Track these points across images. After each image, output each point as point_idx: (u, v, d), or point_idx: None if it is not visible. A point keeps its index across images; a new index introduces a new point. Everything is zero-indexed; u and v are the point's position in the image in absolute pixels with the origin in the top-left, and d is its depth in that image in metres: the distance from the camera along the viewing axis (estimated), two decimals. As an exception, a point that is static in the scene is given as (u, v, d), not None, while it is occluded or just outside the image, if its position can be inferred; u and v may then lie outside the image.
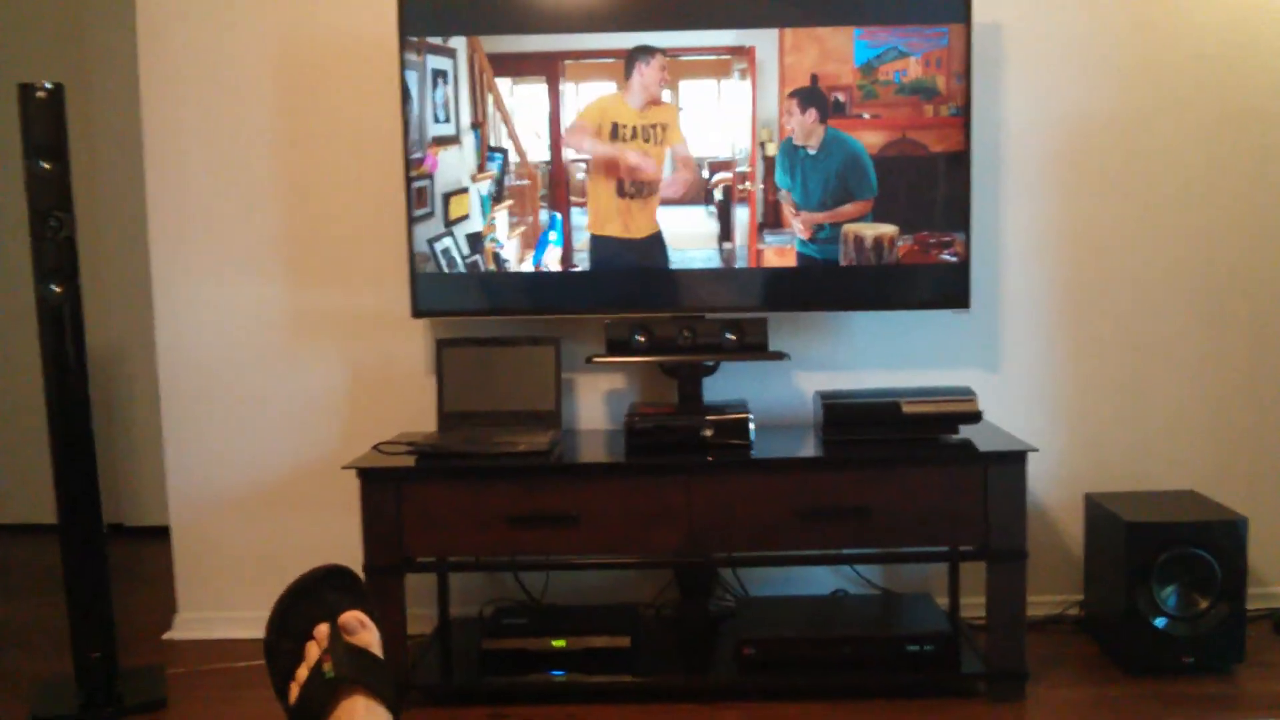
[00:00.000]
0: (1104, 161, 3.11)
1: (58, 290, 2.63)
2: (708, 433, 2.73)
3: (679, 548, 2.64)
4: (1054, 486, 3.16)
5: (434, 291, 2.90)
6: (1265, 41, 3.07)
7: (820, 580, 3.17)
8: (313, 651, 1.34)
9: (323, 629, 1.34)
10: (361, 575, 2.49)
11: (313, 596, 1.38)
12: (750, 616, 2.86)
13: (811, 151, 2.84)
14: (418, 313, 2.91)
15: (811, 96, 2.83)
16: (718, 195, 2.88)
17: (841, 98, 2.83)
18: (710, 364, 2.95)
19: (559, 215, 2.88)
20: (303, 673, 1.33)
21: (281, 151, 3.13)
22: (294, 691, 1.32)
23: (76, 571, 2.69)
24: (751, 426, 2.74)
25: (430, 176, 2.87)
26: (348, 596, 1.40)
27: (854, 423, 2.75)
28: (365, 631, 1.35)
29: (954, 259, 2.86)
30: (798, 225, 2.86)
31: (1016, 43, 3.08)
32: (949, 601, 3.04)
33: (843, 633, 2.74)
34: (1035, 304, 3.14)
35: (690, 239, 2.88)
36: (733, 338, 2.87)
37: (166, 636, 3.23)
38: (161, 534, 3.34)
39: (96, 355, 4.02)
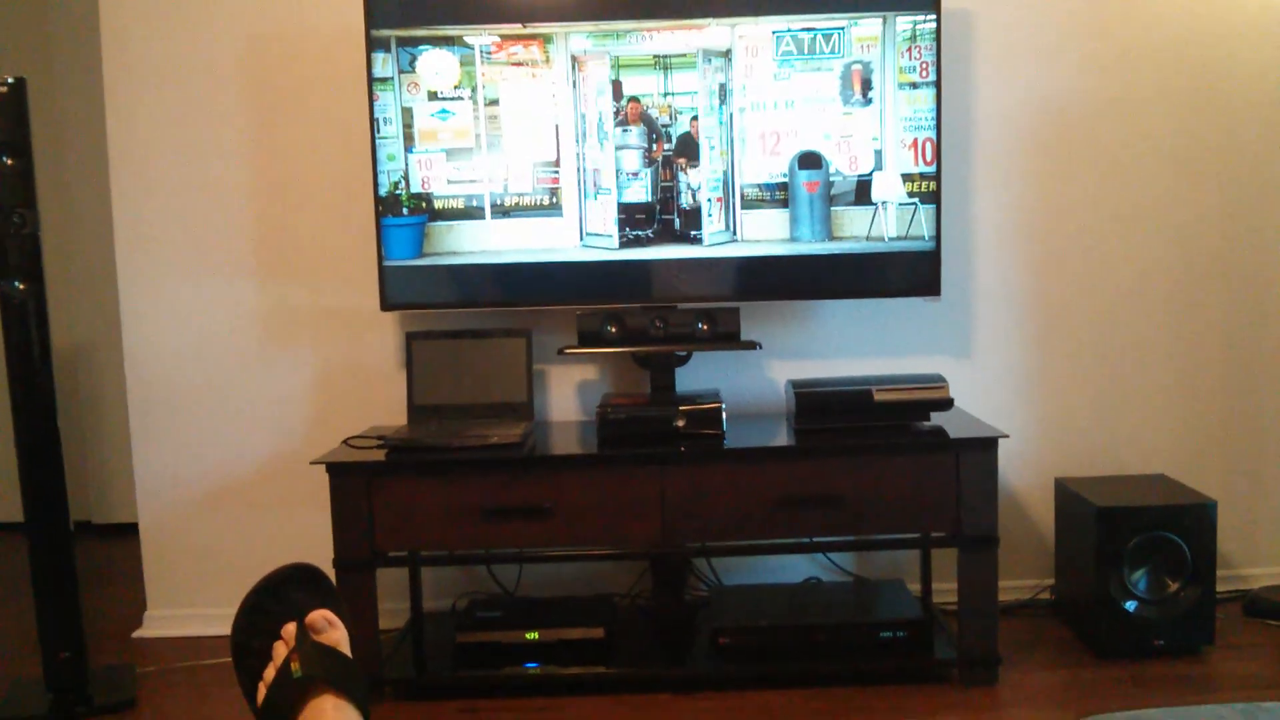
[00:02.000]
0: (1075, 148, 3.12)
1: (21, 287, 2.59)
2: (680, 423, 2.73)
3: (653, 538, 2.64)
4: (1025, 472, 3.18)
5: (403, 284, 2.88)
6: (1237, 27, 3.09)
7: (794, 568, 3.18)
8: (280, 651, 1.33)
9: (290, 628, 1.33)
10: (331, 571, 2.51)
11: (279, 595, 1.37)
12: (725, 606, 2.86)
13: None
14: (387, 306, 2.89)
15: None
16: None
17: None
18: (683, 354, 2.94)
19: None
20: (270, 673, 1.32)
21: (248, 146, 3.10)
22: (262, 691, 1.31)
23: (44, 571, 2.66)
24: (724, 416, 2.74)
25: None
26: (315, 595, 1.38)
27: (826, 411, 2.75)
28: (333, 630, 1.34)
29: (924, 248, 2.86)
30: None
31: (987, 29, 3.08)
32: (921, 587, 3.06)
33: (817, 620, 2.74)
34: (1007, 291, 3.15)
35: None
36: (705, 327, 2.87)
37: (136, 634, 3.20)
38: (131, 531, 3.31)
39: (63, 352, 3.99)
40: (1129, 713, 1.54)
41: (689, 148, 2.85)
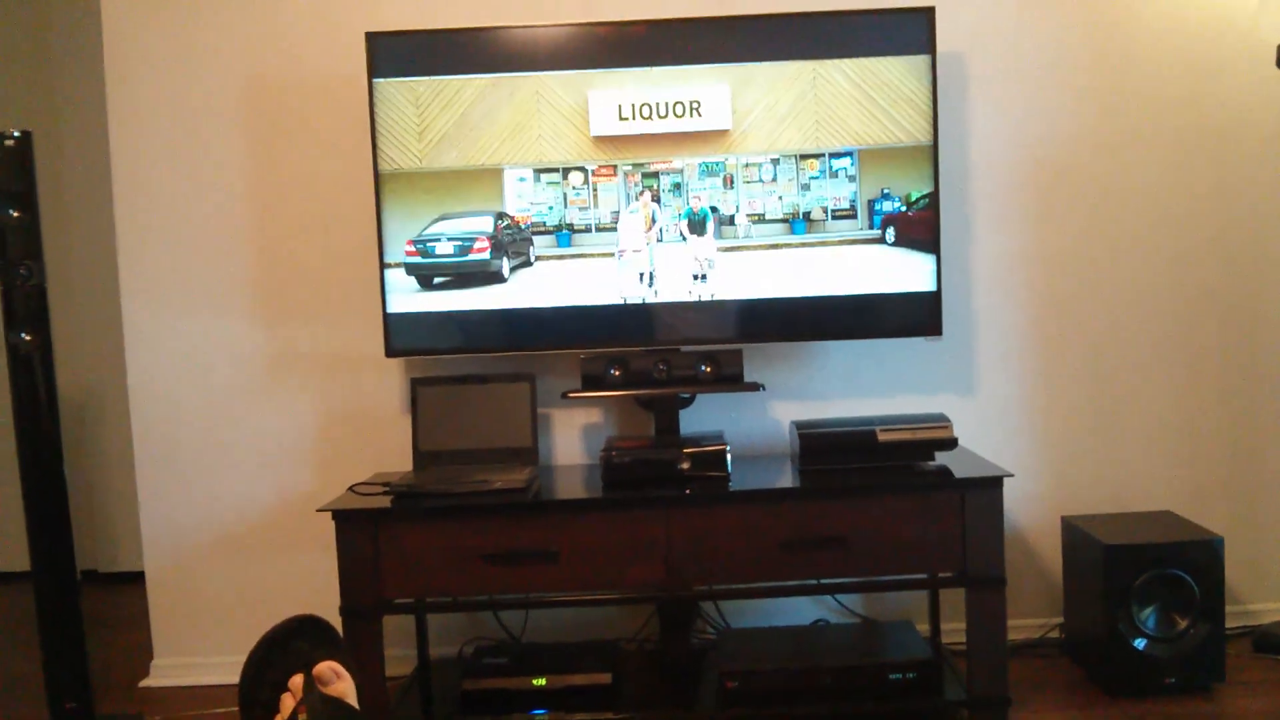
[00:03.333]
0: (1071, 185, 3.14)
1: (28, 339, 2.62)
2: (685, 465, 2.73)
3: (659, 582, 2.63)
4: (1031, 510, 3.17)
5: (407, 330, 2.90)
6: (1226, 65, 3.12)
7: (801, 610, 3.16)
8: (287, 703, 1.33)
9: (297, 680, 1.33)
10: (338, 618, 2.50)
11: (286, 647, 1.37)
12: (732, 649, 2.85)
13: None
14: (391, 352, 2.91)
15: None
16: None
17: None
18: (686, 396, 2.95)
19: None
20: (277, 725, 1.32)
21: (252, 192, 3.13)
22: (269, 745, 1.31)
23: (50, 619, 2.67)
24: (729, 458, 2.74)
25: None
26: (321, 646, 1.39)
27: (830, 452, 2.76)
28: (340, 681, 1.34)
29: (925, 288, 2.88)
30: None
31: (980, 71, 3.11)
32: (930, 628, 3.04)
33: (825, 663, 2.73)
34: (1008, 329, 3.16)
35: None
36: (708, 369, 2.87)
37: (144, 684, 3.19)
38: (138, 579, 3.31)
39: (68, 400, 4.00)
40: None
41: (696, 225, 2.88)
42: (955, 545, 2.62)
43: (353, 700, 1.35)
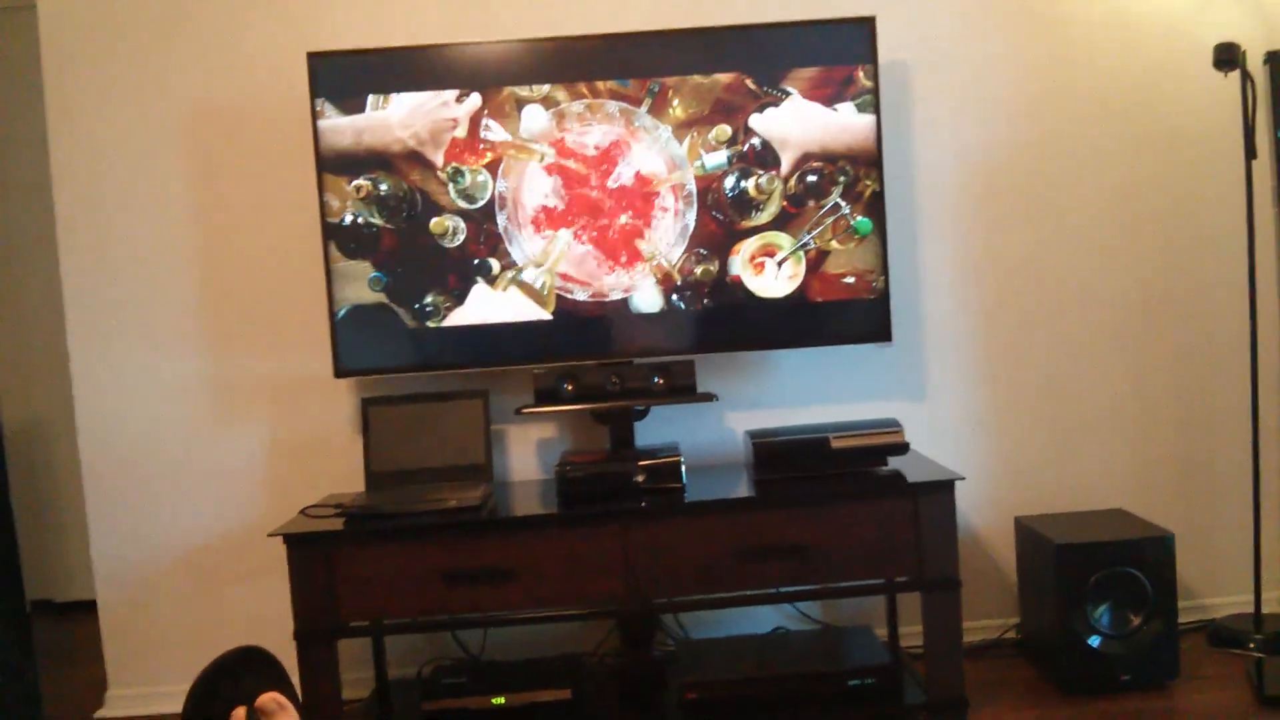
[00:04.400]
0: (1019, 190, 3.17)
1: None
2: (640, 478, 2.72)
3: (617, 596, 2.63)
4: (985, 512, 3.20)
5: (356, 350, 2.88)
6: (1164, 67, 3.16)
7: (761, 618, 3.17)
8: (231, 736, 1.31)
9: (240, 713, 1.32)
10: (292, 644, 2.48)
11: (229, 679, 1.36)
12: (692, 660, 2.85)
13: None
14: (340, 373, 2.89)
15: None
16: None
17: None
18: (640, 409, 2.95)
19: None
20: (220, 760, 1.30)
21: (197, 218, 3.10)
22: (213, 779, 1.30)
23: (0, 652, 2.62)
24: (683, 469, 2.74)
25: (349, 235, 2.86)
26: (264, 678, 1.37)
27: (784, 460, 2.77)
28: (283, 713, 1.33)
29: (874, 295, 2.90)
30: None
31: (924, 78, 3.13)
32: (888, 632, 3.06)
33: (785, 670, 2.73)
34: (957, 333, 3.19)
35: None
36: (661, 381, 2.88)
37: (98, 714, 3.14)
38: (92, 608, 3.26)
39: (17, 431, 3.95)
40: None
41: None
42: (910, 549, 2.63)
43: (298, 731, 1.34)
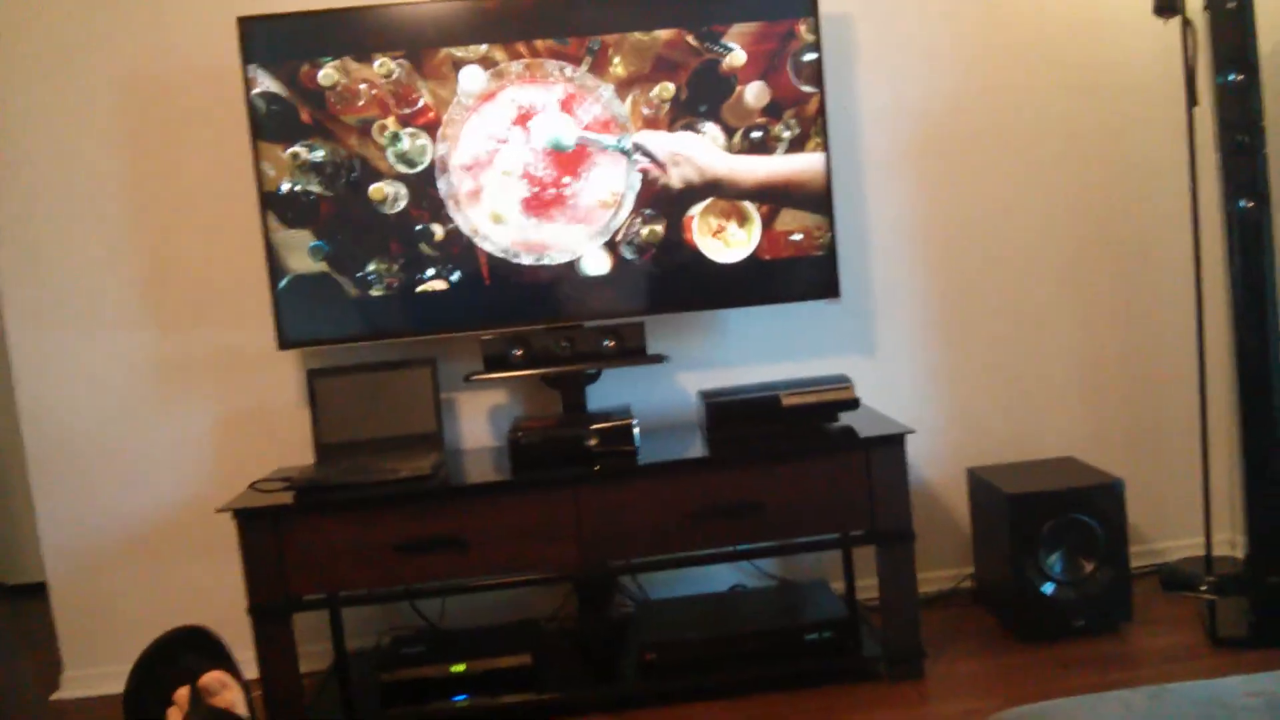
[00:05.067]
0: (961, 143, 3.17)
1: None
2: (593, 442, 2.71)
3: (573, 561, 2.62)
4: (937, 464, 3.22)
5: (299, 321, 2.84)
6: (1108, 15, 3.16)
7: (719, 577, 3.18)
8: (174, 717, 1.29)
9: (183, 692, 1.30)
10: (249, 620, 2.45)
11: (170, 659, 1.34)
12: (651, 621, 2.86)
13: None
14: (284, 344, 2.85)
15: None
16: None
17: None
18: (592, 372, 2.93)
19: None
20: (163, 741, 1.28)
21: (135, 191, 3.03)
22: (156, 761, 1.28)
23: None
24: (636, 432, 2.73)
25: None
26: (207, 657, 1.36)
27: (737, 419, 2.76)
28: (227, 691, 1.31)
29: (821, 251, 2.89)
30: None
31: (867, 32, 3.11)
32: (845, 586, 3.07)
33: (743, 628, 2.75)
34: (906, 288, 3.19)
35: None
36: (611, 344, 2.86)
37: (55, 697, 3.11)
38: (43, 591, 3.21)
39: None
40: (1039, 704, 1.56)
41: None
42: (863, 503, 2.64)
43: (242, 710, 1.32)
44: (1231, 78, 2.60)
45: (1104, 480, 2.86)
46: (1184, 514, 3.26)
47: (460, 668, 2.69)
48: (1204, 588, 3.03)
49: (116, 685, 3.00)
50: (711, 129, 2.86)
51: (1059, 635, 2.83)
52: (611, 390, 3.09)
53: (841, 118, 3.09)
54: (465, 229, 2.84)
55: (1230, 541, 3.29)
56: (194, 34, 2.99)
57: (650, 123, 2.84)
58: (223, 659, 1.36)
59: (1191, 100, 2.92)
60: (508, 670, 2.70)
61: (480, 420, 3.13)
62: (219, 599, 2.98)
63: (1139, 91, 3.18)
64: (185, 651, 1.35)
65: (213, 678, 1.31)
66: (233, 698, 1.32)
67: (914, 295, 3.19)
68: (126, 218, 3.04)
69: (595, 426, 2.72)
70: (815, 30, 2.84)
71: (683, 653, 2.71)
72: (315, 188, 2.82)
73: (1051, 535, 2.81)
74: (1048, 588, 2.81)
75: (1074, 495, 2.82)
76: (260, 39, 2.78)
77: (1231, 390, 2.78)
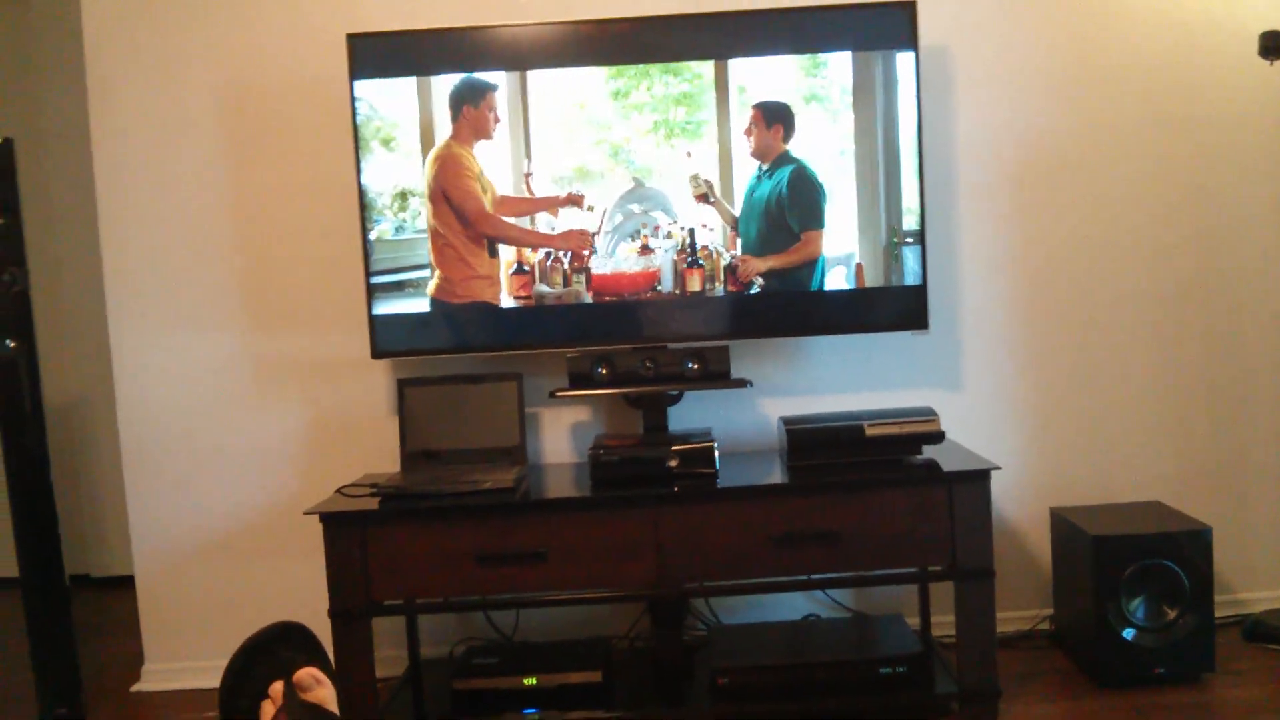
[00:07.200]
0: (1058, 179, 3.14)
1: (13, 345, 2.61)
2: (673, 463, 2.72)
3: (649, 580, 2.63)
4: (1020, 502, 3.18)
5: (393, 332, 2.89)
6: (1205, 48, 3.12)
7: (793, 605, 3.17)
8: (268, 710, 1.33)
9: (277, 687, 1.33)
10: (327, 621, 2.50)
11: (267, 655, 1.37)
12: (723, 645, 2.85)
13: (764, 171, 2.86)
14: (377, 353, 2.90)
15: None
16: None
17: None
18: (674, 394, 2.95)
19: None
20: (258, 732, 1.32)
21: (236, 198, 3.12)
22: (250, 751, 1.31)
23: (40, 626, 2.66)
24: (717, 455, 2.73)
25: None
26: (302, 653, 1.39)
27: (818, 447, 2.75)
28: (320, 688, 1.34)
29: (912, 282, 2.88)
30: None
31: (965, 64, 3.11)
32: (920, 621, 3.05)
33: (816, 658, 2.73)
34: (994, 322, 3.16)
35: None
36: (695, 367, 2.87)
37: (135, 688, 3.18)
38: (128, 584, 3.30)
39: (57, 407, 3.99)
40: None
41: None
42: (944, 538, 2.62)
43: (334, 707, 1.35)
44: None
45: (1192, 526, 2.80)
46: (1271, 564, 3.19)
47: (531, 681, 2.71)
48: (1288, 641, 2.96)
49: (195, 679, 3.11)
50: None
51: (1138, 682, 2.77)
52: (693, 412, 3.10)
53: (936, 147, 3.08)
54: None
55: (1319, 595, 3.20)
56: (293, 45, 3.09)
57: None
58: (318, 656, 1.39)
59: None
60: (578, 686, 2.72)
61: (562, 436, 3.16)
62: (300, 600, 3.03)
63: (1236, 131, 3.13)
64: (281, 646, 1.38)
65: (307, 673, 1.33)
66: (325, 694, 1.34)
67: (1001, 329, 3.16)
68: (230, 219, 3.12)
69: (676, 448, 2.74)
70: (915, 62, 2.84)
71: (755, 679, 2.70)
72: (414, 201, 2.88)
73: (1135, 580, 2.76)
74: (1129, 633, 2.76)
75: (1160, 540, 2.76)
76: (368, 55, 2.84)
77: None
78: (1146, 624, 2.77)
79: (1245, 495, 3.20)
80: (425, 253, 2.87)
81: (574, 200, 2.86)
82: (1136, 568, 2.75)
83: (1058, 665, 2.96)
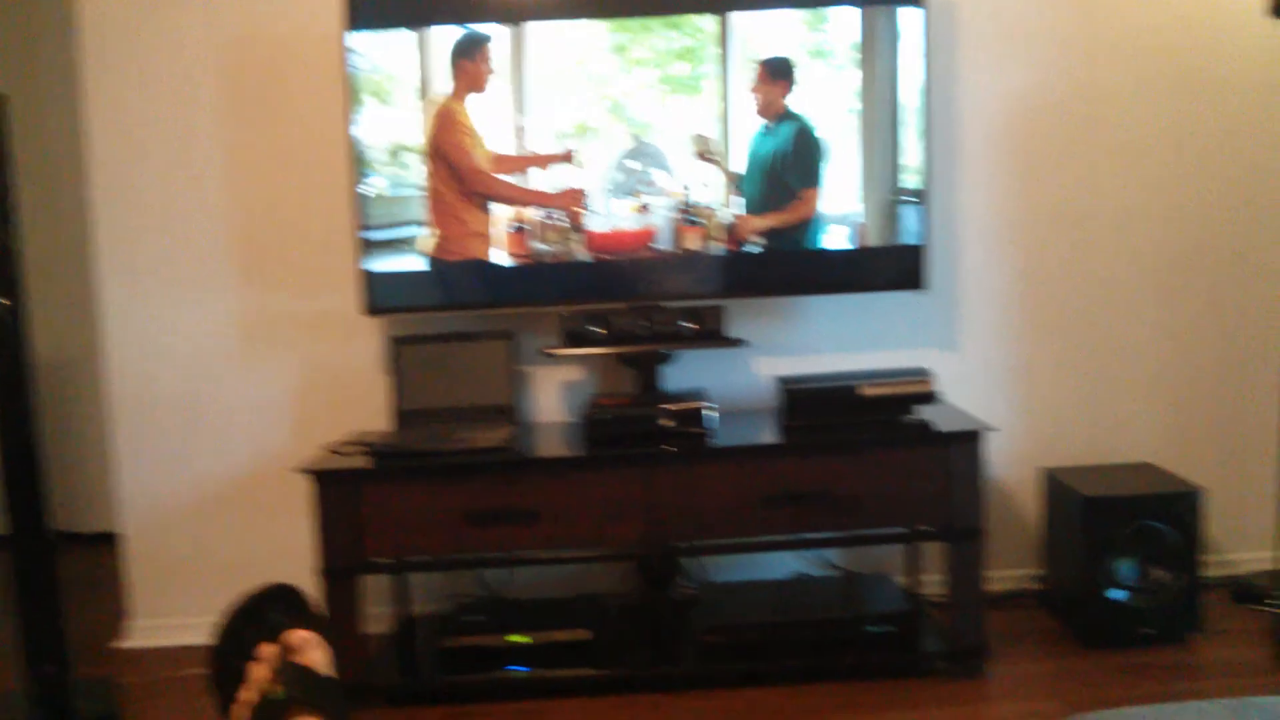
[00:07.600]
0: (1060, 139, 3.11)
1: (2, 302, 2.57)
2: (666, 422, 2.71)
3: (639, 539, 2.63)
4: (1012, 463, 3.18)
5: (385, 288, 2.86)
6: (1220, 9, 3.08)
7: (782, 563, 3.17)
8: (257, 672, 1.31)
9: (269, 649, 1.31)
10: (318, 578, 2.49)
11: (258, 615, 1.35)
12: (713, 603, 2.86)
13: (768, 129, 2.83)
14: (369, 310, 2.87)
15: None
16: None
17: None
18: (668, 353, 2.93)
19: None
20: (247, 694, 1.30)
21: (227, 154, 3.07)
22: (238, 714, 1.29)
23: (27, 583, 2.64)
24: (710, 415, 2.72)
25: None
26: (294, 614, 1.36)
27: (813, 407, 2.75)
28: (313, 650, 1.32)
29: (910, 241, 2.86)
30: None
31: (971, 21, 3.06)
32: (908, 580, 3.05)
33: (804, 616, 2.75)
34: (992, 283, 3.15)
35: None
36: (690, 326, 2.85)
37: (119, 644, 3.17)
38: (109, 540, 3.28)
39: (46, 364, 3.95)
40: (1117, 711, 1.53)
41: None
42: (937, 498, 2.62)
43: (328, 670, 1.33)
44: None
45: (1183, 488, 2.81)
46: (1262, 526, 3.19)
47: (521, 638, 2.71)
48: (1274, 602, 2.97)
49: (180, 636, 3.11)
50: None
51: (1125, 642, 2.79)
52: (687, 371, 3.08)
53: (940, 105, 3.04)
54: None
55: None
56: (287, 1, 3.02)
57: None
58: (311, 618, 1.37)
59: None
60: (568, 644, 2.72)
61: (554, 395, 3.14)
62: (290, 557, 3.01)
63: (1245, 93, 3.11)
64: (274, 608, 1.36)
65: (299, 635, 1.31)
66: (318, 657, 1.32)
67: (998, 290, 3.15)
68: (221, 175, 3.08)
69: (669, 407, 2.73)
70: (924, 19, 2.80)
71: (743, 637, 2.71)
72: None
73: (1125, 541, 2.77)
74: (1118, 593, 2.77)
75: (1152, 502, 2.77)
76: (362, 6, 2.79)
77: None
78: (1136, 585, 2.79)
79: (1239, 457, 3.21)
80: (420, 209, 2.83)
81: (566, 157, 2.82)
82: (1127, 529, 2.76)
83: (1046, 625, 2.98)
